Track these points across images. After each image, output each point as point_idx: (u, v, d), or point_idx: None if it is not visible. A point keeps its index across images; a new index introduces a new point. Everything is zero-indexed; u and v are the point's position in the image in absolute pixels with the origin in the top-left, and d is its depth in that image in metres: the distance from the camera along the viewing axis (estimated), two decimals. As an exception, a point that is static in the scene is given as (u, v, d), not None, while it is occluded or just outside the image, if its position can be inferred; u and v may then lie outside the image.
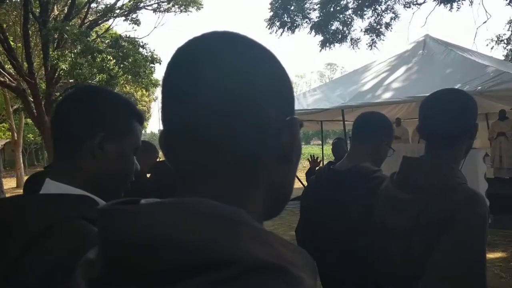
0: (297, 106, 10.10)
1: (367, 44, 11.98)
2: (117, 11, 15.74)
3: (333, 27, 12.15)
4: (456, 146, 1.40)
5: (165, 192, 0.62)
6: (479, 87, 7.34)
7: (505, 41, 15.08)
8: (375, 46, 11.39)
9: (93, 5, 16.07)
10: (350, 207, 1.69)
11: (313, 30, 12.18)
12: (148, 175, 2.43)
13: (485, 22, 11.19)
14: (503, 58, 16.34)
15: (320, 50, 13.95)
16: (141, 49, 14.35)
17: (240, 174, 0.54)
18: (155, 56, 14.23)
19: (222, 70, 0.53)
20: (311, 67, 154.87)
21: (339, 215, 1.74)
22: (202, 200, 0.47)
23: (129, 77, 14.57)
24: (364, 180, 1.67)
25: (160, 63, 14.39)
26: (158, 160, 3.51)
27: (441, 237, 1.22)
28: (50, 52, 13.43)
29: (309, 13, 12.26)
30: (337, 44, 13.16)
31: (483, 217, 1.23)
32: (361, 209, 1.62)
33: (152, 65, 14.32)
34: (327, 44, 13.00)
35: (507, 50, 15.44)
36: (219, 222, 0.44)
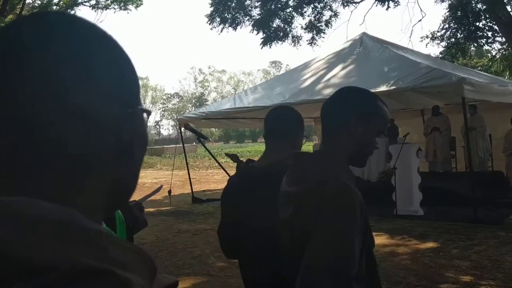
0: (238, 104, 10.15)
1: (307, 41, 12.13)
2: (54, 7, 15.04)
3: (274, 25, 12.19)
4: (337, 139, 1.39)
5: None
6: (412, 84, 7.58)
7: (439, 38, 15.72)
8: (315, 43, 11.53)
9: (29, 1, 15.28)
10: (269, 205, 1.60)
11: (255, 28, 12.17)
12: None
13: (420, 20, 11.61)
14: (439, 55, 17.04)
15: (262, 48, 14.02)
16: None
17: (69, 173, 0.48)
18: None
19: (44, 49, 0.47)
20: (258, 65, 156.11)
21: (258, 214, 1.69)
22: (28, 200, 0.42)
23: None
24: (280, 177, 1.60)
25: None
26: None
27: (313, 229, 1.23)
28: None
29: (250, 10, 12.24)
30: (279, 42, 13.27)
31: (350, 210, 1.23)
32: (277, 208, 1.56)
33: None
34: (269, 42, 13.06)
35: (441, 46, 16.11)
36: (46, 226, 0.41)
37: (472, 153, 9.99)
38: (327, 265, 1.18)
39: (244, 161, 2.02)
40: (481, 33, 14.80)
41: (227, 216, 1.89)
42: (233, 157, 2.57)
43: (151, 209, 10.48)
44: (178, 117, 11.59)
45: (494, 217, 7.28)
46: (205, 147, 2.63)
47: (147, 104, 79.22)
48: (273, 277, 1.66)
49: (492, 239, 6.12)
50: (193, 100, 71.63)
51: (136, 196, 3.35)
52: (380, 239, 6.49)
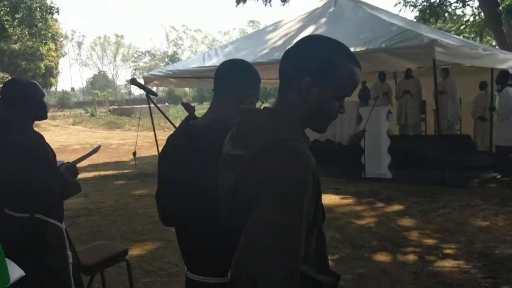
0: (207, 63, 9.78)
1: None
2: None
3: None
4: (289, 98, 1.19)
5: None
6: (383, 44, 7.40)
7: (412, 2, 15.53)
8: (287, 1, 11.13)
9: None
10: (207, 167, 1.47)
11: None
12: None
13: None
14: (414, 19, 16.85)
15: (236, 6, 13.53)
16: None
17: None
18: (52, 5, 12.87)
19: None
20: (235, 24, 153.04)
21: (195, 177, 1.53)
22: None
23: (26, 30, 13.15)
24: (221, 139, 1.39)
25: (58, 13, 13.08)
26: None
27: (258, 199, 1.06)
28: None
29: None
30: (252, 0, 12.81)
31: (301, 178, 1.05)
32: (216, 171, 1.36)
33: (49, 15, 12.98)
34: (243, 0, 12.59)
35: (414, 11, 15.96)
36: None
37: (442, 117, 10.04)
38: (270, 244, 1.02)
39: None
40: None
41: (163, 179, 1.71)
42: (187, 106, 2.35)
43: (114, 172, 10.23)
44: (144, 75, 11.13)
45: (460, 180, 7.35)
46: (154, 103, 2.43)
47: (117, 61, 77.23)
48: (211, 248, 1.52)
49: (457, 202, 6.17)
50: (166, 59, 69.86)
51: (73, 157, 3.08)
52: (347, 202, 6.48)
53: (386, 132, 8.10)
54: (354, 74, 1.18)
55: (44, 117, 2.54)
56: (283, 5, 11.31)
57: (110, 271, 4.03)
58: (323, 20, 9.62)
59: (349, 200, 6.60)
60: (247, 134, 1.18)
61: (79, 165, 2.66)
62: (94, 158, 11.78)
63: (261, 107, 1.40)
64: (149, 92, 2.34)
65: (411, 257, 4.23)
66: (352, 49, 7.96)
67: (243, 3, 12.27)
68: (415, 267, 3.99)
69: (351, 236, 4.93)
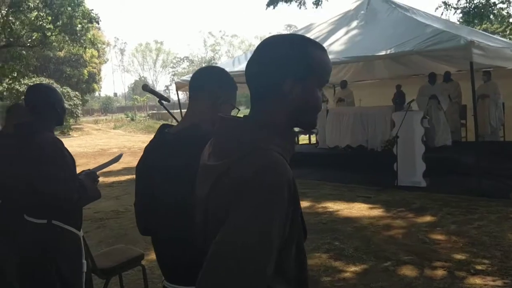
0: (236, 67, 9.74)
1: (313, 2, 11.56)
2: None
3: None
4: (269, 105, 1.13)
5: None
6: (417, 47, 7.10)
7: (454, 5, 14.95)
8: (320, 4, 10.95)
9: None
10: (180, 176, 1.46)
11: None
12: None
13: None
14: (457, 22, 16.26)
15: (266, 8, 13.45)
16: (77, 8, 13.34)
17: None
18: (93, 15, 13.26)
19: None
20: (272, 29, 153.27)
21: (168, 187, 1.53)
22: None
23: (66, 37, 13.57)
24: (195, 144, 1.36)
25: (98, 23, 13.45)
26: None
27: (228, 212, 1.00)
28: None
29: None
30: (285, 3, 12.70)
31: (276, 190, 0.98)
32: (192, 178, 1.29)
33: (90, 24, 13.36)
34: (274, 3, 12.50)
35: (457, 13, 15.36)
36: None
37: (484, 122, 9.55)
38: (233, 263, 0.93)
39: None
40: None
41: (140, 189, 1.69)
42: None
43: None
44: (176, 80, 11.23)
45: (499, 191, 6.92)
46: (166, 109, 2.38)
47: (157, 67, 78.94)
48: (187, 257, 1.48)
49: (494, 214, 5.78)
50: (203, 65, 70.80)
51: (93, 165, 3.10)
52: (376, 212, 6.23)
53: (420, 138, 7.75)
54: (326, 59, 1.17)
55: (62, 122, 2.59)
56: (316, 7, 11.13)
57: (130, 274, 4.04)
58: (355, 22, 9.39)
59: (379, 210, 6.33)
60: (223, 143, 1.14)
61: (104, 170, 2.68)
62: (129, 162, 12.03)
63: (237, 115, 1.32)
64: (161, 97, 2.30)
65: (440, 272, 3.97)
66: (384, 52, 7.76)
67: (274, 6, 12.18)
68: (442, 283, 3.73)
69: (376, 247, 4.70)
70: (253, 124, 1.11)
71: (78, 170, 2.51)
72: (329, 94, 14.49)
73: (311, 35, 9.84)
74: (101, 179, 2.71)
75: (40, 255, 2.32)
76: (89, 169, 2.68)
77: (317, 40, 7.37)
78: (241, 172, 1.00)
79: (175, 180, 1.47)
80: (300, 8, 11.83)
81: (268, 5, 11.88)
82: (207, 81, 1.61)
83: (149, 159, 1.63)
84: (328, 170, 9.25)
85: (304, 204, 6.85)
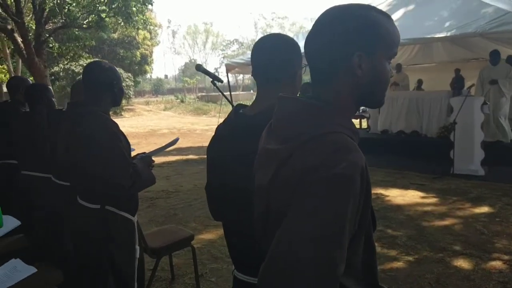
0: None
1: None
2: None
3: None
4: (336, 85, 1.03)
5: None
6: (480, 29, 6.72)
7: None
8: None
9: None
10: (252, 160, 1.31)
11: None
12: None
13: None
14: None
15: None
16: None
17: None
18: (148, -4, 13.47)
19: None
20: (324, 10, 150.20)
21: (244, 169, 1.38)
22: None
23: (120, 20, 13.89)
24: None
25: (152, 4, 13.66)
26: None
27: (294, 201, 0.91)
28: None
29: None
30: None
31: (348, 179, 0.88)
32: None
33: (143, 6, 13.59)
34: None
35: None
36: None
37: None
38: (301, 257, 0.85)
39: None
40: None
41: (211, 172, 1.60)
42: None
43: (196, 156, 10.52)
44: (226, 62, 11.25)
45: None
46: (219, 89, 2.33)
47: (206, 50, 79.61)
48: (256, 248, 1.39)
49: (560, 206, 5.47)
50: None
51: (160, 141, 3.09)
52: (430, 200, 6.04)
53: (480, 125, 7.40)
54: (394, 29, 1.06)
55: (119, 103, 2.46)
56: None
57: (180, 254, 4.14)
58: (413, 3, 9.00)
59: (433, 198, 6.14)
60: (285, 126, 1.04)
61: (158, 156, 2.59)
62: (180, 143, 12.28)
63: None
64: (214, 78, 2.25)
65: (499, 265, 3.81)
66: (444, 34, 7.41)
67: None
68: (502, 277, 3.58)
69: (431, 237, 4.56)
70: (318, 104, 1.02)
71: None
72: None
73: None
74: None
75: (94, 240, 2.24)
76: (144, 153, 2.57)
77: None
78: (308, 158, 0.92)
79: (250, 167, 1.35)
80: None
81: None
82: (281, 59, 1.44)
83: (222, 142, 1.53)
84: (381, 155, 9.03)
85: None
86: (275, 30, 79.95)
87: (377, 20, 1.02)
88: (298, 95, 1.56)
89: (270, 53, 1.45)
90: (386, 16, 1.05)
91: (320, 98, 1.04)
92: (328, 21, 1.04)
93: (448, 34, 6.92)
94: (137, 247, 2.40)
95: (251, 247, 1.43)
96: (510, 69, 8.16)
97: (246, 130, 1.42)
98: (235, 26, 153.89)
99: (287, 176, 0.95)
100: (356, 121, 14.05)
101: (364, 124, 12.96)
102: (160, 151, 2.65)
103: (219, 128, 1.58)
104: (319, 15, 1.07)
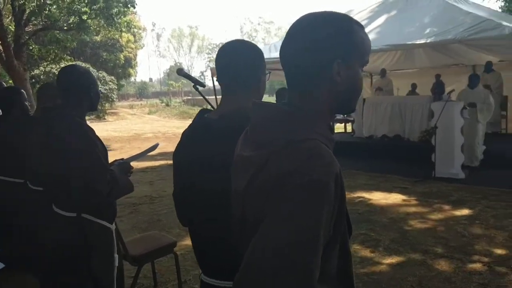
0: (273, 54, 9.67)
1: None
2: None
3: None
4: (313, 92, 1.04)
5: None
6: (459, 36, 6.86)
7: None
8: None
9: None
10: (222, 163, 1.32)
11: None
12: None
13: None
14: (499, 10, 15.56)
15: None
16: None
17: None
18: (130, -1, 13.38)
19: None
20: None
21: (209, 174, 1.40)
22: None
23: (102, 21, 13.77)
24: (238, 129, 1.26)
25: (134, 6, 13.58)
26: None
27: (269, 208, 0.91)
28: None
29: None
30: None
31: (322, 185, 0.89)
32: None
33: (126, 9, 13.50)
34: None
35: (499, 2, 14.71)
36: None
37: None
38: (276, 264, 0.86)
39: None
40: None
41: (178, 177, 1.59)
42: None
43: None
44: (210, 66, 11.24)
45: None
46: (201, 94, 2.29)
47: (192, 53, 79.47)
48: (225, 251, 1.38)
49: (537, 208, 5.61)
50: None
51: (144, 145, 3.05)
52: (412, 203, 6.13)
53: (460, 129, 7.54)
54: (366, 37, 1.08)
55: (96, 108, 2.39)
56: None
57: (163, 261, 4.10)
58: (395, 9, 9.15)
59: (415, 201, 6.23)
60: (260, 133, 1.04)
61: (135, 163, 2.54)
62: (163, 147, 12.21)
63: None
64: (196, 82, 2.21)
65: (479, 267, 3.89)
66: (425, 40, 7.55)
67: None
68: (482, 279, 3.66)
69: (414, 240, 4.63)
70: (293, 110, 1.02)
71: (113, 154, 2.33)
72: (366, 83, 14.27)
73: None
74: (134, 164, 2.58)
75: (70, 249, 2.16)
76: (122, 159, 2.50)
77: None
78: (283, 164, 0.92)
79: (219, 169, 1.35)
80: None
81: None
82: (245, 64, 1.46)
83: (188, 146, 1.52)
84: (365, 159, 9.18)
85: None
86: (261, 34, 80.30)
87: (352, 29, 1.04)
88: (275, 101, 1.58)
89: (234, 58, 1.47)
90: (359, 25, 1.07)
91: (296, 104, 1.04)
92: (305, 27, 1.04)
93: (429, 40, 7.05)
94: (116, 256, 2.35)
95: (219, 249, 1.44)
96: (487, 95, 7.96)
97: (210, 133, 1.43)
98: (221, 30, 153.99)
99: (262, 183, 0.95)
100: (341, 126, 14.18)
101: (349, 128, 13.07)
102: (139, 157, 2.59)
103: (185, 133, 1.57)
104: (294, 20, 1.08)
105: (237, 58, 1.47)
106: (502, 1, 14.67)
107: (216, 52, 1.53)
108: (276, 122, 1.01)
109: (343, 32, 1.02)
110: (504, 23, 6.93)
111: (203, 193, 1.44)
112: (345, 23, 1.03)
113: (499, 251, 4.24)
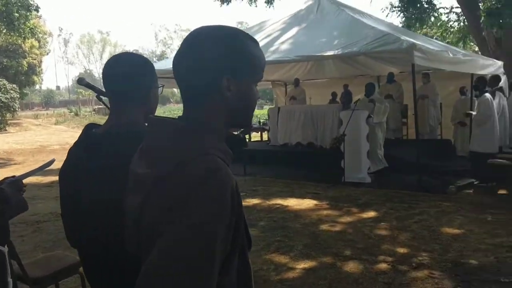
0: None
1: (265, 1, 11.61)
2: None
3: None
4: (204, 107, 1.05)
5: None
6: (363, 48, 7.34)
7: (399, 7, 15.49)
8: (272, 3, 11.03)
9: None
10: (113, 178, 1.26)
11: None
12: None
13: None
14: (400, 24, 16.80)
15: (221, 5, 13.40)
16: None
17: None
18: (31, 2, 12.58)
19: None
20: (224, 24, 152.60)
21: (98, 188, 1.33)
22: None
23: (2, 26, 12.81)
24: (126, 143, 1.23)
25: (37, 11, 12.81)
26: None
27: (163, 227, 0.90)
28: None
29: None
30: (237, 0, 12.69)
31: (218, 201, 0.90)
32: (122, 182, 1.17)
33: (28, 13, 12.68)
34: (227, 0, 12.46)
35: (400, 17, 15.94)
36: None
37: (423, 121, 10.02)
38: (177, 274, 0.86)
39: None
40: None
41: (65, 198, 1.50)
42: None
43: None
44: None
45: (437, 186, 7.32)
46: (105, 104, 2.16)
47: (103, 60, 76.56)
48: (117, 272, 1.33)
49: (433, 209, 6.12)
50: (154, 59, 69.39)
51: (31, 163, 2.82)
52: (323, 208, 6.39)
53: (365, 137, 8.03)
54: (260, 53, 1.09)
55: None
56: (268, 7, 11.21)
57: (69, 282, 3.82)
58: (305, 22, 9.54)
59: (327, 205, 6.51)
60: (154, 149, 1.03)
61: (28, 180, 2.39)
62: (14, 172, 11.49)
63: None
64: (99, 92, 2.08)
65: (384, 267, 4.14)
66: (332, 52, 7.97)
67: (227, 3, 12.15)
68: (387, 278, 3.90)
69: (325, 243, 4.83)
70: (189, 126, 1.02)
71: (16, 168, 2.16)
72: (281, 92, 14.68)
73: (263, 33, 9.92)
74: (38, 178, 2.40)
75: None
76: (13, 176, 2.29)
77: (269, 38, 7.44)
78: (179, 180, 0.91)
79: (107, 184, 1.30)
80: (251, 5, 11.86)
81: (222, 1, 11.82)
82: (135, 77, 1.43)
83: (74, 164, 1.44)
84: (280, 167, 9.42)
85: (255, 201, 6.91)
86: (177, 42, 79.43)
87: (244, 45, 1.04)
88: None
89: (117, 70, 1.45)
90: (253, 40, 1.07)
91: (191, 119, 1.04)
92: (199, 41, 1.04)
93: (336, 52, 7.44)
94: (10, 280, 2.18)
95: (111, 268, 1.38)
96: (400, 85, 8.80)
97: (95, 149, 1.38)
98: (135, 37, 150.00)
99: (157, 200, 0.94)
100: (257, 134, 14.42)
101: (265, 136, 13.33)
102: (32, 174, 2.39)
103: (71, 151, 1.50)
104: (187, 34, 1.07)
105: (120, 70, 1.44)
106: (403, 17, 15.85)
107: (104, 64, 1.48)
108: (171, 139, 1.00)
109: (233, 48, 1.02)
110: (403, 37, 7.54)
111: (92, 212, 1.36)
112: (236, 39, 1.04)
113: (401, 250, 4.55)
